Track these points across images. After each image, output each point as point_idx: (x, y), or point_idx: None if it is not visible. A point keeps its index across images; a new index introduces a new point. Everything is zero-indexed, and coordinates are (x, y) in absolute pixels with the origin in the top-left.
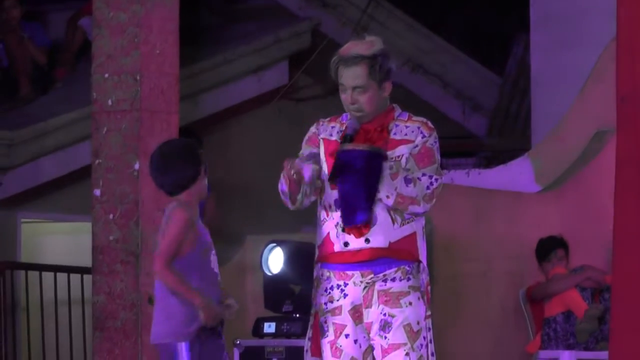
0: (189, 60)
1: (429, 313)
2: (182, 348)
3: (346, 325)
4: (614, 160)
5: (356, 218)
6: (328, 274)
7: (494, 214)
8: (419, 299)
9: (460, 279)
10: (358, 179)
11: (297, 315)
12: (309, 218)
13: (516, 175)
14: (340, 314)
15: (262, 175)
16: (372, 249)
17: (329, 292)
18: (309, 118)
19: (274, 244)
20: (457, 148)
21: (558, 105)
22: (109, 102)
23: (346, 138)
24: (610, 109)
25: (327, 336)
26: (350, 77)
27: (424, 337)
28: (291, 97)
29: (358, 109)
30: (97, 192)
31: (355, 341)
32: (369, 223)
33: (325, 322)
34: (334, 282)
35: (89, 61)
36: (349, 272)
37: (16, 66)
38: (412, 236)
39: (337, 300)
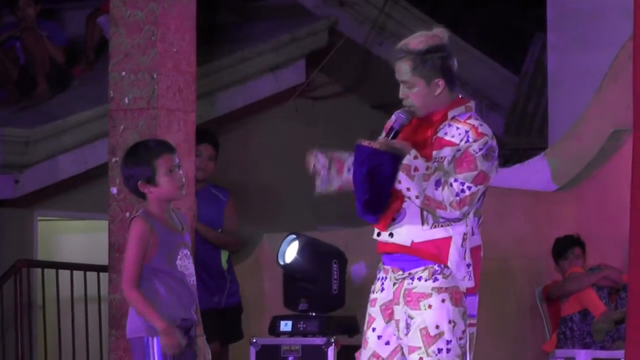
0: (206, 58)
1: (470, 322)
2: (154, 343)
3: (375, 319)
4: (631, 160)
5: (359, 211)
6: (380, 264)
7: (510, 213)
8: (443, 301)
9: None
10: (359, 175)
11: (314, 314)
12: (325, 217)
13: (533, 174)
14: (374, 306)
15: (278, 173)
16: (395, 244)
17: (375, 283)
18: (326, 117)
19: (294, 236)
20: None
21: (575, 104)
22: (126, 100)
23: (391, 131)
24: (627, 108)
25: (365, 325)
26: (397, 71)
27: (447, 341)
28: (308, 95)
29: (409, 103)
30: (114, 190)
31: (380, 337)
32: (378, 221)
33: (366, 310)
34: (381, 274)
35: (107, 59)
36: (387, 267)
37: (34, 64)
38: (445, 241)
39: (376, 293)
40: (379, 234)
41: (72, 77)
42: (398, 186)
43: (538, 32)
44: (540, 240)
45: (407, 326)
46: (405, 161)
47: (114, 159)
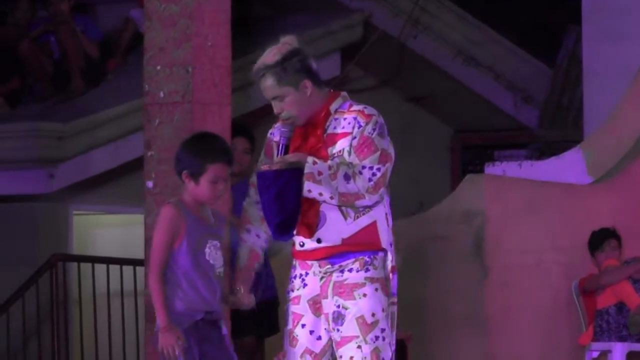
0: (241, 52)
1: (392, 300)
2: None
3: (303, 315)
4: None
5: (276, 235)
6: (294, 262)
7: (546, 206)
8: (376, 290)
9: (512, 270)
10: (267, 200)
11: None
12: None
13: (568, 166)
14: (298, 303)
15: None
16: (325, 247)
17: (292, 281)
18: None
19: None
20: (509, 140)
21: (610, 96)
22: (161, 94)
23: (280, 147)
24: None
25: (288, 325)
26: (264, 90)
27: (382, 329)
28: (343, 88)
29: (287, 116)
30: (150, 183)
31: (312, 332)
32: (288, 236)
33: (287, 310)
34: (298, 271)
35: (141, 53)
36: (309, 262)
37: (68, 59)
38: (372, 226)
39: (297, 290)
40: (302, 244)
41: (107, 72)
42: (310, 195)
43: (572, 24)
44: (576, 234)
45: (338, 317)
46: (307, 170)
47: (149, 153)
